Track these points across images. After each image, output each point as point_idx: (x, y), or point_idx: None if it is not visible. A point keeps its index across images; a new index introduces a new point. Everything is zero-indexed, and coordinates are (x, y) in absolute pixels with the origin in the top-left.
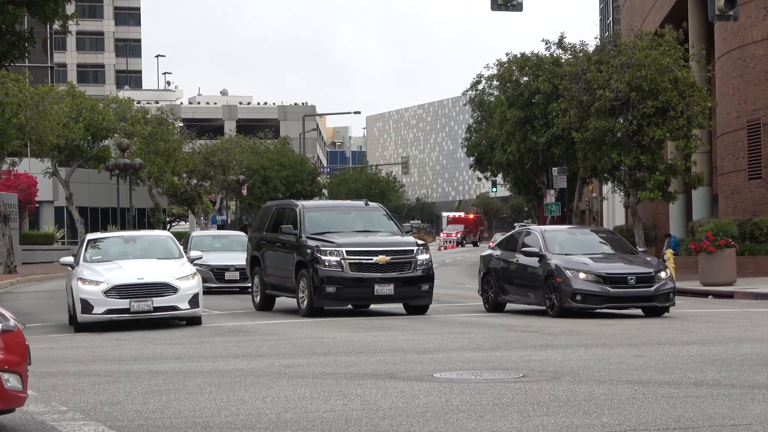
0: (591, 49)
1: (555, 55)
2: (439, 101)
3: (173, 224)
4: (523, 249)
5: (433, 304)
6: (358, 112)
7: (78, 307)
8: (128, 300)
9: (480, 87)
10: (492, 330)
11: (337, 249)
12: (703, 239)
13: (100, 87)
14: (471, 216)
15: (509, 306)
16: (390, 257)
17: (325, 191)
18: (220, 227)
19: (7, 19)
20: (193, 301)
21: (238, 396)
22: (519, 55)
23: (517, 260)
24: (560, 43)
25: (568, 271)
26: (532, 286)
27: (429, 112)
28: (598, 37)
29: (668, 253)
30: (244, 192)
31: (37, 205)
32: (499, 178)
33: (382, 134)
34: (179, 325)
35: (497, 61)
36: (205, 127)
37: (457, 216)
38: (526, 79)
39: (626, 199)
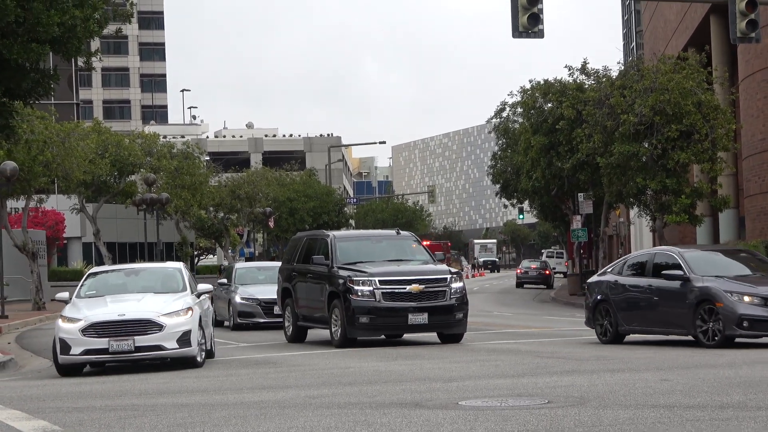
0: (614, 74)
1: (578, 81)
2: (465, 129)
3: (201, 257)
4: (664, 272)
5: (467, 332)
6: (384, 142)
7: (57, 347)
8: (107, 339)
9: (504, 114)
10: (519, 357)
11: (369, 278)
12: None
13: (126, 122)
14: (428, 243)
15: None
16: (423, 286)
17: (352, 221)
18: (248, 259)
19: (31, 57)
20: (184, 340)
21: (263, 427)
22: (542, 82)
23: (650, 285)
24: (583, 69)
25: (730, 295)
26: (675, 312)
27: (454, 141)
28: (621, 62)
29: None
30: (271, 224)
31: (65, 241)
32: (526, 205)
33: (408, 163)
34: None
35: (521, 88)
36: (231, 160)
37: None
38: (549, 105)
39: (653, 223)
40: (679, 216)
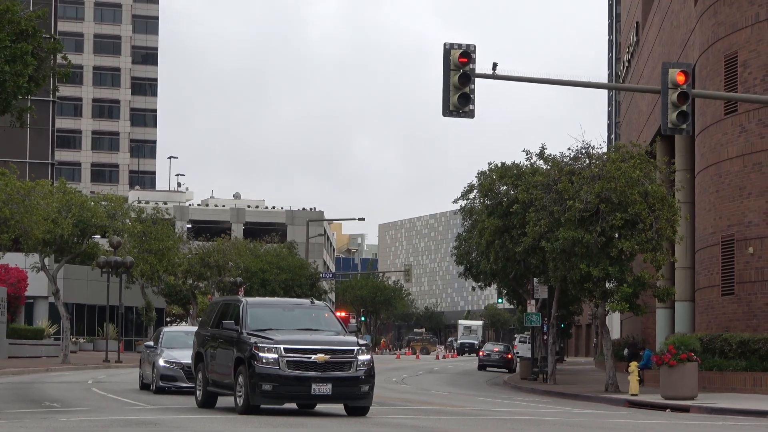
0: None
1: (535, 166)
2: (451, 211)
3: (173, 324)
4: None
5: (380, 407)
6: (363, 219)
7: None
8: None
9: (471, 196)
10: (393, 430)
11: (275, 346)
12: (665, 352)
13: (114, 186)
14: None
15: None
16: (329, 356)
17: (330, 296)
18: None
19: None
20: None
21: None
22: (500, 165)
23: None
24: (541, 154)
25: None
26: None
27: (440, 222)
28: (574, 148)
29: (632, 365)
30: (241, 294)
31: (30, 300)
32: (493, 288)
33: (394, 242)
34: (98, 411)
35: (478, 171)
36: (213, 229)
37: None
38: (505, 188)
39: (595, 310)
40: (620, 305)
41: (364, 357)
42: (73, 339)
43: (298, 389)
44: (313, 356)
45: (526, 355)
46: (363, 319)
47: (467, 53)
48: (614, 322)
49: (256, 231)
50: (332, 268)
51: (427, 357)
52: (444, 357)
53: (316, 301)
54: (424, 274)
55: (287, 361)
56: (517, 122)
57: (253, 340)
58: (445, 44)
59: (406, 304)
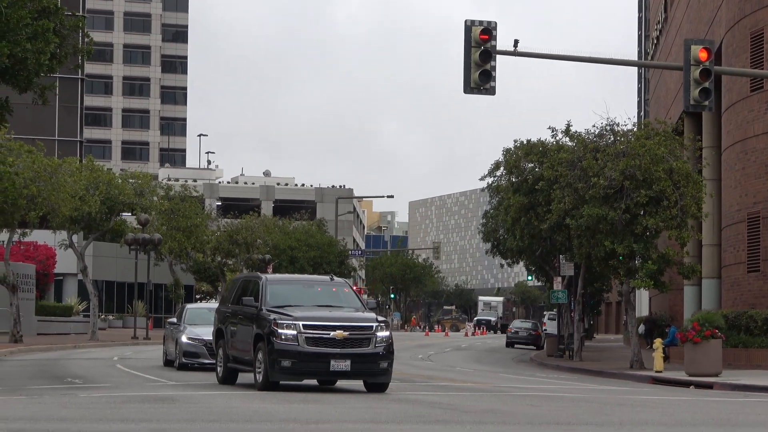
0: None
1: (560, 143)
2: (482, 189)
3: (203, 301)
4: None
5: (401, 383)
6: (391, 196)
7: None
8: None
9: (498, 173)
10: (409, 405)
11: (294, 322)
12: (689, 329)
13: (144, 164)
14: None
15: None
16: (348, 332)
17: (360, 273)
18: None
19: None
20: None
21: None
22: (525, 142)
23: None
24: (567, 131)
25: None
26: None
27: (471, 199)
28: (598, 125)
29: (657, 342)
30: (270, 271)
31: (59, 277)
32: (521, 265)
33: (425, 220)
34: (119, 388)
35: (504, 148)
36: (242, 207)
37: None
38: (530, 165)
39: (620, 287)
40: (645, 281)
41: (383, 333)
42: (103, 316)
43: (317, 365)
44: (332, 333)
45: (555, 333)
46: (393, 296)
47: (488, 30)
48: (643, 300)
49: (286, 208)
50: (362, 245)
51: (457, 334)
52: (473, 334)
53: (335, 278)
54: (454, 252)
55: (306, 337)
56: (549, 100)
57: (272, 316)
58: (466, 21)
59: (435, 281)
